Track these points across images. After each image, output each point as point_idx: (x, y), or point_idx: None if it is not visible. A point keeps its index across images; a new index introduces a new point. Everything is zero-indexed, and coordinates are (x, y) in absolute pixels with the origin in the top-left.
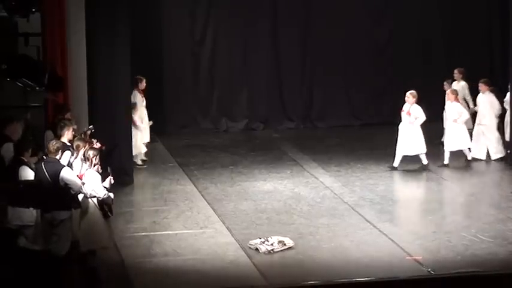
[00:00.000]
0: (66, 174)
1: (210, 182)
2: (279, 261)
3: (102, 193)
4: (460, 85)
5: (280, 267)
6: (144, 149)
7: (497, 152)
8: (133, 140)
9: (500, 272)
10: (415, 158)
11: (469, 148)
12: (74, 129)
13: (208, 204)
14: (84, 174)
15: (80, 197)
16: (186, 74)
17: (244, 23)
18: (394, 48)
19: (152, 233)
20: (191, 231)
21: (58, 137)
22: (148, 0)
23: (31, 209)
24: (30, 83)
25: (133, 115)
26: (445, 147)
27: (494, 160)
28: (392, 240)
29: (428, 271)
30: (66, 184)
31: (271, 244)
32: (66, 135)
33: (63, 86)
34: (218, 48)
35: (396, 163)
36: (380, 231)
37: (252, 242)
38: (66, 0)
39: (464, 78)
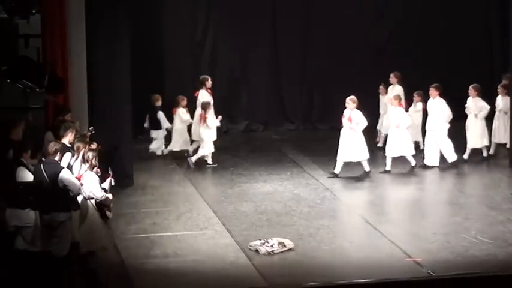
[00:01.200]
0: (65, 175)
1: (210, 183)
2: (279, 263)
3: (99, 194)
4: (396, 89)
5: (280, 269)
6: (213, 148)
7: (450, 158)
8: (205, 138)
9: (500, 274)
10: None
11: (413, 155)
12: (75, 131)
13: (209, 205)
14: (82, 175)
15: (79, 198)
16: (186, 76)
17: (244, 25)
18: (394, 48)
19: (152, 235)
20: (191, 233)
21: (59, 138)
22: (148, 1)
23: (29, 210)
24: (30, 84)
25: (206, 114)
26: (386, 153)
27: (450, 164)
28: (392, 242)
29: (428, 272)
30: (65, 186)
31: (271, 245)
32: (68, 137)
33: (64, 87)
34: (218, 49)
35: (337, 170)
36: (380, 232)
37: (252, 243)
38: (67, 2)
39: (400, 83)
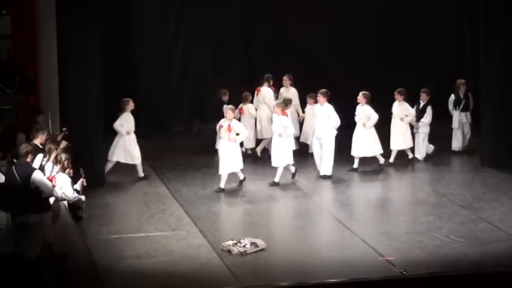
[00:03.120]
0: (37, 177)
1: (182, 184)
2: (252, 263)
3: (71, 196)
4: (291, 92)
5: (252, 269)
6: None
7: (324, 170)
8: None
9: (472, 272)
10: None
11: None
12: (47, 132)
13: (181, 206)
14: (54, 176)
15: (51, 200)
16: (158, 76)
17: (217, 26)
18: (365, 50)
19: (124, 235)
20: (163, 233)
21: (31, 139)
22: (120, 0)
23: (1, 211)
24: (0, 85)
25: (287, 110)
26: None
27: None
28: (364, 241)
29: (401, 271)
30: (37, 187)
31: (244, 246)
32: (40, 138)
33: (34, 88)
34: (190, 50)
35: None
36: (352, 232)
37: (225, 243)
38: (37, 2)
39: (293, 85)
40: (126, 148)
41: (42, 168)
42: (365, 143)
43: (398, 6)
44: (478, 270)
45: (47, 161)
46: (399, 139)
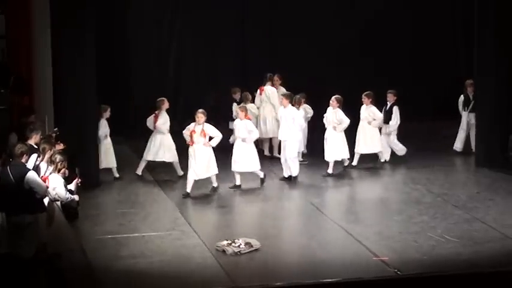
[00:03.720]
0: (31, 177)
1: (176, 184)
2: (246, 263)
3: (65, 197)
4: (280, 91)
5: (247, 269)
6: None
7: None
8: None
9: (466, 272)
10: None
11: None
12: (41, 132)
13: (175, 206)
14: (48, 177)
15: (46, 200)
16: (153, 77)
17: (211, 28)
18: (360, 51)
19: (119, 236)
20: (158, 234)
21: (25, 139)
22: (114, 2)
23: None
24: None
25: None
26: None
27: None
28: (358, 241)
29: (395, 271)
30: (31, 188)
31: (238, 246)
32: (34, 139)
33: (29, 88)
34: (185, 51)
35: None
36: (346, 232)
37: (219, 243)
38: (31, 2)
39: (283, 85)
40: (167, 146)
41: (36, 168)
42: (336, 146)
43: (392, 7)
44: (473, 270)
45: (41, 161)
46: (367, 142)
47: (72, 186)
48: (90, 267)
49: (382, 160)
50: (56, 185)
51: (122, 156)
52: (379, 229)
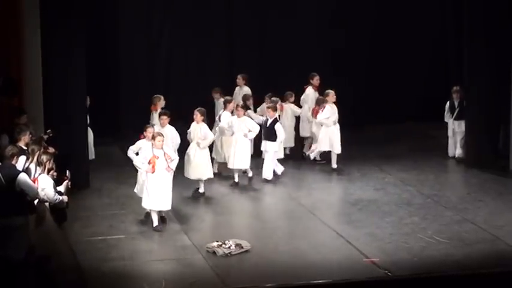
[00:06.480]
0: (23, 179)
1: None
2: (236, 264)
3: (53, 198)
4: (243, 90)
5: (237, 270)
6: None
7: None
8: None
9: (456, 273)
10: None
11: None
12: (30, 133)
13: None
14: (37, 178)
15: (35, 202)
16: (142, 77)
17: (201, 27)
18: (348, 52)
19: (109, 237)
20: (148, 235)
21: (15, 141)
22: (104, 1)
23: None
24: None
25: (320, 109)
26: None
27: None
28: (349, 243)
29: (385, 273)
30: (22, 189)
31: (229, 247)
32: (23, 140)
33: (18, 89)
34: (174, 51)
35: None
36: (337, 233)
37: (209, 244)
38: (21, 3)
39: (248, 84)
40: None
41: (27, 170)
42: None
43: (383, 12)
44: (463, 271)
45: (30, 162)
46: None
47: (62, 188)
48: (80, 268)
49: (250, 175)
50: (45, 186)
51: (110, 155)
52: (370, 230)
